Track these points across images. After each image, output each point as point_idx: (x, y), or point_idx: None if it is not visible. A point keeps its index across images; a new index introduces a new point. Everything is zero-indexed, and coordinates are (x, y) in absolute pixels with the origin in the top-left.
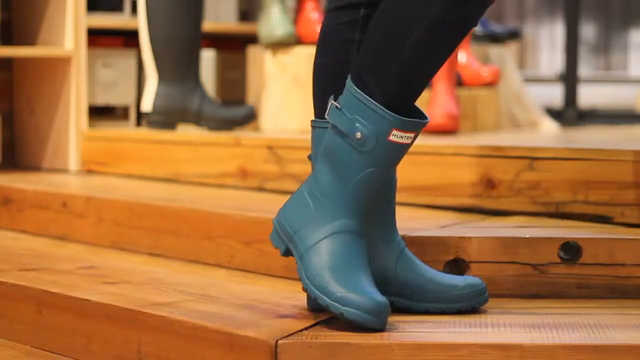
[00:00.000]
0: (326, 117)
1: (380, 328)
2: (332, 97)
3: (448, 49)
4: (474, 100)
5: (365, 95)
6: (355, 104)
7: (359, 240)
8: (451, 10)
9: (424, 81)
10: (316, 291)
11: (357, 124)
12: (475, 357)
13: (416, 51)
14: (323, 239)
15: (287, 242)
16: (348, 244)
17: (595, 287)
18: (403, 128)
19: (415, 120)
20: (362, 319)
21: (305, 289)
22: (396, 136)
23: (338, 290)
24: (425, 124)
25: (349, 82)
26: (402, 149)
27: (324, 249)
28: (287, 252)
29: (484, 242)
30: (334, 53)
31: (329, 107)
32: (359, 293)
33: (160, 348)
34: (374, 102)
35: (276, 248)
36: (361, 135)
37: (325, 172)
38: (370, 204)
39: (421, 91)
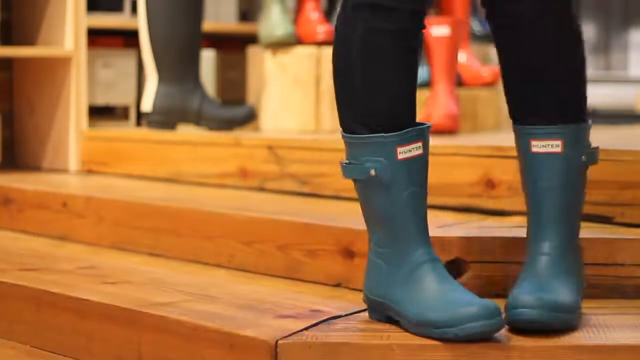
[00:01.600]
0: (344, 177)
1: (499, 328)
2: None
3: (396, 57)
4: (474, 100)
5: (354, 136)
6: (353, 150)
7: (433, 264)
8: (373, 19)
9: (398, 94)
10: (424, 330)
11: (366, 164)
12: (475, 357)
13: (366, 70)
14: (404, 285)
15: (384, 311)
16: (425, 275)
17: (595, 287)
18: (404, 142)
19: (409, 130)
20: (477, 328)
21: (416, 334)
22: (403, 152)
23: (439, 316)
24: (424, 128)
25: (341, 133)
26: (418, 161)
27: (411, 292)
28: (390, 319)
29: (484, 242)
30: None
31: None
32: (461, 307)
33: (160, 348)
34: (363, 135)
35: (379, 321)
36: (375, 170)
37: (374, 227)
38: (424, 221)
39: (406, 102)
